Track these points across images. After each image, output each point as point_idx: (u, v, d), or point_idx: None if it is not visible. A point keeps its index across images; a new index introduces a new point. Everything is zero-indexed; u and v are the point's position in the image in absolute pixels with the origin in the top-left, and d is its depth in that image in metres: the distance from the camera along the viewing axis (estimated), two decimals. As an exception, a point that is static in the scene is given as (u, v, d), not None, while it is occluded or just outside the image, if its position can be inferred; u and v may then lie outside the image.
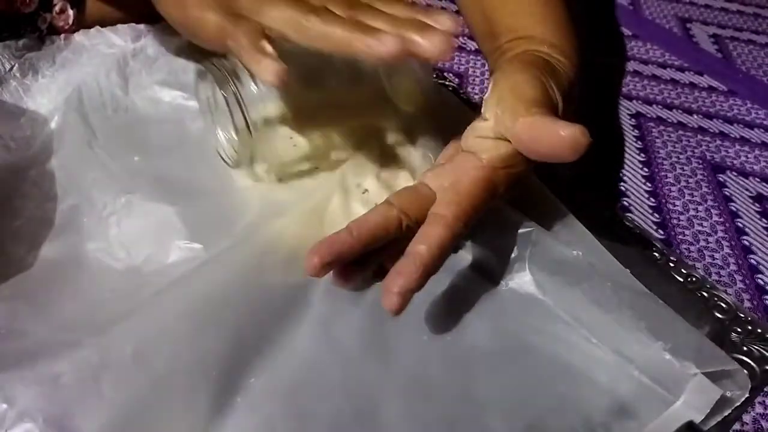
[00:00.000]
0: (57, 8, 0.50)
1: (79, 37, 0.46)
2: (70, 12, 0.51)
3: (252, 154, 0.38)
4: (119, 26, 0.48)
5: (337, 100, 0.40)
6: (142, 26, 0.48)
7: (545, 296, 0.37)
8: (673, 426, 0.32)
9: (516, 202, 0.39)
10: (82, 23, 0.51)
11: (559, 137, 0.31)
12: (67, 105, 0.43)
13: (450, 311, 0.36)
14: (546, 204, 0.41)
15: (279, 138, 0.38)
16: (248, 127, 0.36)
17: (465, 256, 0.39)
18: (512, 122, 0.32)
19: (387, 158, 0.40)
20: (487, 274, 0.38)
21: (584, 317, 0.36)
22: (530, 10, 0.43)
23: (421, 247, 0.32)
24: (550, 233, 0.38)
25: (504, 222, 0.39)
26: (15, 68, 0.44)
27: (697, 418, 0.32)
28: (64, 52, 0.46)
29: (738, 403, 0.34)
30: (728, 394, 0.33)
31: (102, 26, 0.49)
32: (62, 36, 0.46)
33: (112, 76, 0.45)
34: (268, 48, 0.33)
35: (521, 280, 0.38)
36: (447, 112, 0.46)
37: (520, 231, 0.38)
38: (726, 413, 0.34)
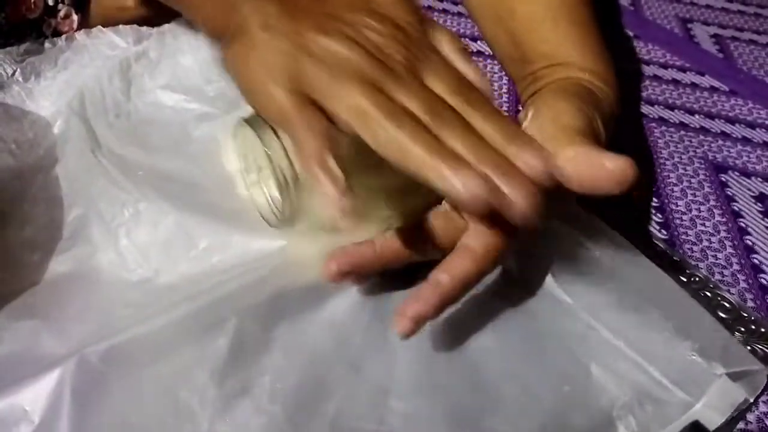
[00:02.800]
0: (62, 13, 0.50)
1: (80, 36, 0.46)
2: (75, 17, 0.51)
3: (296, 212, 0.36)
4: (121, 27, 0.48)
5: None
6: (144, 28, 0.48)
7: (567, 296, 0.37)
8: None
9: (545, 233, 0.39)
10: (86, 28, 0.51)
11: (605, 170, 0.29)
12: (70, 109, 0.43)
13: (466, 309, 0.36)
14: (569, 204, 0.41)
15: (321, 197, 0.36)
16: (289, 185, 0.34)
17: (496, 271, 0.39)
18: (554, 153, 0.30)
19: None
20: (507, 273, 0.38)
21: (607, 318, 0.36)
22: (565, 34, 0.40)
23: (443, 276, 0.30)
24: (573, 232, 0.38)
25: None
26: (17, 73, 0.44)
27: (717, 420, 0.32)
28: (66, 53, 0.46)
29: (748, 403, 0.34)
30: (750, 398, 0.33)
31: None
32: (64, 36, 0.46)
33: (114, 81, 0.45)
34: (336, 170, 0.28)
35: (542, 279, 0.38)
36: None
37: (543, 230, 0.38)
38: (733, 413, 0.34)
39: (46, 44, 0.45)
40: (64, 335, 0.32)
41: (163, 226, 0.36)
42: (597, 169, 0.30)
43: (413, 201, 0.36)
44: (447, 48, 0.33)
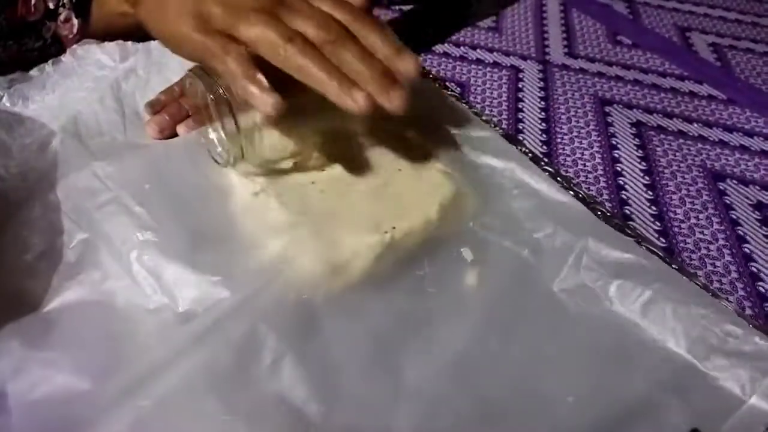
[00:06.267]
0: (62, 17, 0.50)
1: (67, 59, 0.46)
2: (75, 21, 0.51)
3: (239, 154, 0.39)
4: (107, 44, 0.48)
5: (317, 106, 0.41)
6: (129, 44, 0.48)
7: (607, 298, 0.37)
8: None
9: (561, 220, 0.39)
10: (86, 33, 0.51)
11: None
12: (65, 132, 0.42)
13: (473, 317, 0.36)
14: (590, 223, 0.41)
15: (263, 139, 0.40)
16: (237, 128, 0.37)
17: (518, 264, 0.39)
18: None
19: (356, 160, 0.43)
20: (541, 277, 0.38)
21: (656, 319, 0.36)
22: None
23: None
24: (602, 239, 0.38)
25: (550, 227, 0.39)
26: (4, 98, 0.44)
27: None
28: (54, 77, 0.45)
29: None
30: None
31: (106, 37, 0.49)
32: (51, 61, 0.46)
33: (106, 101, 0.45)
34: (262, 79, 0.33)
35: (578, 282, 0.38)
36: (431, 111, 0.48)
37: (567, 236, 0.38)
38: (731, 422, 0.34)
39: (33, 72, 0.45)
40: (84, 369, 0.31)
41: (175, 251, 0.35)
42: None
43: (331, 121, 0.42)
44: None
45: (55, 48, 0.48)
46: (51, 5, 0.49)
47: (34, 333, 0.33)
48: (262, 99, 0.33)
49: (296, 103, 0.37)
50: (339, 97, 0.33)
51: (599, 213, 0.42)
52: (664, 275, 0.37)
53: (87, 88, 0.46)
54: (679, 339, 0.35)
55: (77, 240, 0.37)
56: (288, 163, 0.41)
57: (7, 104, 0.43)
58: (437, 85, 0.53)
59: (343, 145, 0.43)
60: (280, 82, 0.35)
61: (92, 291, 0.35)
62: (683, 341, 0.35)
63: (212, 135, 0.40)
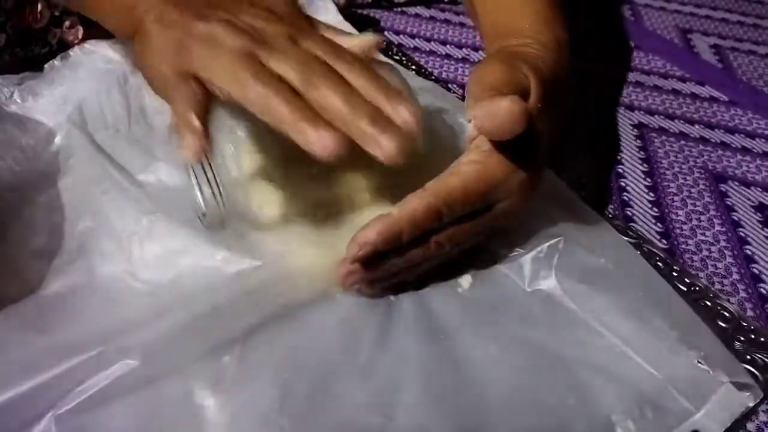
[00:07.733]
0: (67, 24, 0.51)
1: (75, 53, 0.47)
2: (80, 27, 0.52)
3: (223, 218, 0.38)
4: (117, 39, 0.48)
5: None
6: None
7: (572, 303, 0.37)
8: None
9: (546, 209, 0.40)
10: (91, 37, 0.52)
11: (498, 111, 0.31)
12: (71, 123, 0.43)
13: (472, 316, 0.36)
14: (577, 210, 0.41)
15: (250, 199, 0.38)
16: (218, 195, 0.37)
17: (489, 262, 0.39)
18: (471, 110, 0.34)
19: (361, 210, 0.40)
20: (512, 280, 0.38)
21: (611, 324, 0.36)
22: (521, 6, 0.44)
23: (394, 210, 0.33)
24: (579, 241, 0.39)
25: (531, 228, 0.40)
26: (15, 94, 0.45)
27: (717, 430, 0.32)
28: (63, 71, 0.46)
29: (748, 410, 0.34)
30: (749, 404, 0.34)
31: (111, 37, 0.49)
32: (59, 56, 0.47)
33: (113, 94, 0.46)
34: (195, 122, 0.31)
35: (546, 286, 0.38)
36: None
37: (547, 238, 0.39)
38: (728, 424, 0.34)
39: (45, 68, 0.46)
40: (80, 353, 0.32)
41: (174, 238, 0.36)
42: (495, 112, 0.31)
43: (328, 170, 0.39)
44: (323, 28, 0.37)
45: (62, 54, 0.48)
46: (56, 12, 0.50)
47: (30, 315, 0.34)
48: (186, 142, 0.31)
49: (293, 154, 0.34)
50: (305, 139, 0.29)
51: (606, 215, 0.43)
52: (644, 285, 0.38)
53: (94, 80, 0.47)
54: (642, 352, 0.35)
55: (81, 227, 0.38)
56: (278, 229, 0.39)
57: (18, 100, 0.45)
58: (440, 86, 0.54)
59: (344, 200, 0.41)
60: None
61: (92, 276, 0.36)
62: (648, 354, 0.35)
63: (198, 194, 0.39)
